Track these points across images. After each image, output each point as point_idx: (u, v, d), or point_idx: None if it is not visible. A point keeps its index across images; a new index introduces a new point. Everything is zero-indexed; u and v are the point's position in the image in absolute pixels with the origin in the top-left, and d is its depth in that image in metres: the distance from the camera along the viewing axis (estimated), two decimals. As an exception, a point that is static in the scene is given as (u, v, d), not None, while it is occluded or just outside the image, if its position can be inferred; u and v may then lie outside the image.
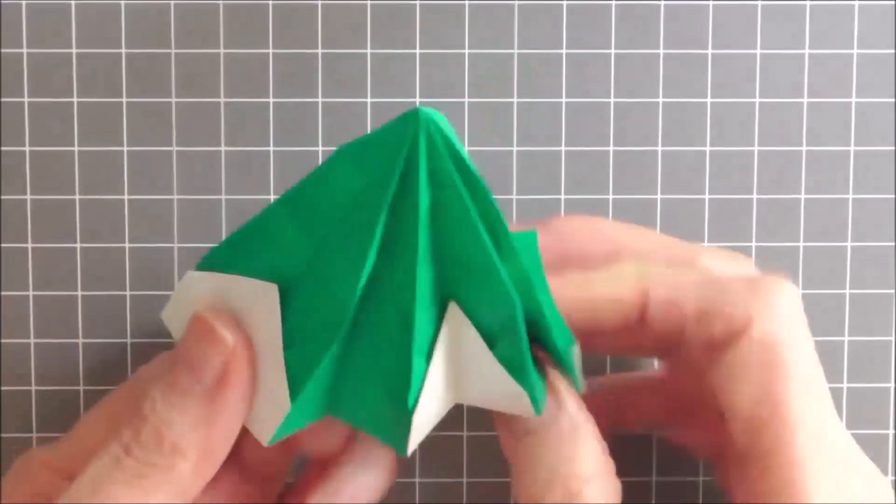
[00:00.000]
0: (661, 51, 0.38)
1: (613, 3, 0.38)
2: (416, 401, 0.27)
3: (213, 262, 0.30)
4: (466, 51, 0.38)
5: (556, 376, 0.29)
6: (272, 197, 0.38)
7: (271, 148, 0.38)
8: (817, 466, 0.27)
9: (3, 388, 0.38)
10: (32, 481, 0.31)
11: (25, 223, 0.38)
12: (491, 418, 0.31)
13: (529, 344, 0.29)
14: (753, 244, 0.38)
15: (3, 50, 0.37)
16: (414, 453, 0.38)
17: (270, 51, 0.38)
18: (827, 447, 0.27)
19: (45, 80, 0.37)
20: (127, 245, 0.38)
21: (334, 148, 0.38)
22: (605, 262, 0.31)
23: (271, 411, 0.27)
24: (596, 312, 0.30)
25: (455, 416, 0.37)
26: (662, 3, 0.38)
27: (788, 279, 0.31)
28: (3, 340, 0.38)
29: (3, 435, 0.38)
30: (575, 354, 0.31)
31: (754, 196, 0.38)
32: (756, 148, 0.38)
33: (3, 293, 0.38)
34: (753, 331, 0.28)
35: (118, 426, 0.29)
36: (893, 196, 0.38)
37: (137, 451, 0.27)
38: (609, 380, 0.35)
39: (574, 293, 0.30)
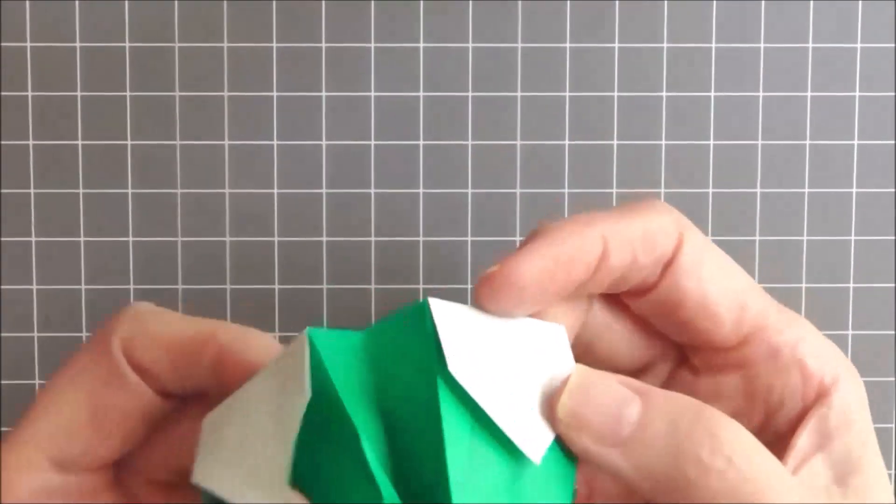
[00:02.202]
0: (665, 45, 0.38)
1: (617, -3, 0.38)
2: None
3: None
4: (470, 45, 0.38)
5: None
6: (275, 191, 0.38)
7: (275, 142, 0.38)
8: None
9: (5, 382, 0.38)
10: (14, 493, 0.30)
11: (29, 217, 0.38)
12: None
13: None
14: (757, 238, 0.38)
15: (7, 44, 0.37)
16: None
17: (274, 45, 0.38)
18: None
19: (49, 74, 0.37)
20: (130, 239, 0.38)
21: (337, 142, 0.38)
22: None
23: (250, 475, 0.27)
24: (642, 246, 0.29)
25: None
26: (666, -3, 0.38)
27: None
28: (7, 334, 0.38)
29: (5, 429, 0.38)
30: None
31: (758, 190, 0.38)
32: (759, 142, 0.38)
33: (6, 287, 0.38)
34: (838, 396, 0.29)
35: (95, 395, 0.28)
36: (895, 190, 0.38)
37: None
38: None
39: (626, 223, 0.29)
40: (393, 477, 0.26)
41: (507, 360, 0.27)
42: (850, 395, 0.29)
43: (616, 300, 0.31)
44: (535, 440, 0.26)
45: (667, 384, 0.31)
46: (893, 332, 0.38)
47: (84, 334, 0.38)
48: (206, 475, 0.27)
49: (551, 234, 0.28)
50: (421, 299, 0.37)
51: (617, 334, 0.31)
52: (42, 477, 0.29)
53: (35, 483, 0.29)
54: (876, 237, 0.38)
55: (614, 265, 0.28)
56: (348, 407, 0.26)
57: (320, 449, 0.26)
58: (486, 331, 0.27)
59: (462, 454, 0.26)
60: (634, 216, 0.29)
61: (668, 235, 0.28)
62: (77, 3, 0.37)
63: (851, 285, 0.38)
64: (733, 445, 0.26)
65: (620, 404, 0.27)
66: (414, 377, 0.26)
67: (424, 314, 0.26)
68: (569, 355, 0.28)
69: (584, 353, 0.31)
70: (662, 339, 0.31)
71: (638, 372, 0.31)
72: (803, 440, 0.28)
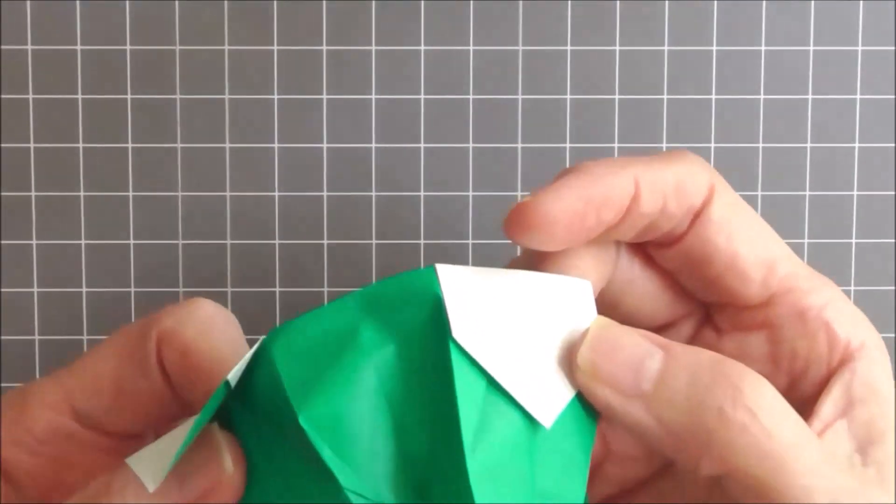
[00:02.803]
0: (666, 48, 0.38)
1: (618, 0, 0.38)
2: None
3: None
4: (471, 48, 0.38)
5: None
6: (276, 194, 0.38)
7: (276, 144, 0.38)
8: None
9: (6, 385, 0.38)
10: (28, 424, 0.30)
11: (30, 220, 0.38)
12: None
13: None
14: (758, 241, 0.38)
15: (8, 47, 0.37)
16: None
17: (275, 48, 0.38)
18: None
19: (50, 77, 0.37)
20: (131, 241, 0.38)
21: (338, 145, 0.38)
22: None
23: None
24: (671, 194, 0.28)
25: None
26: (667, 0, 0.38)
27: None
28: (8, 337, 0.38)
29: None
30: None
31: (759, 193, 0.38)
32: (761, 145, 0.38)
33: (8, 290, 0.38)
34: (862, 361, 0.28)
35: (123, 373, 0.29)
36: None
37: None
38: None
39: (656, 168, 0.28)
40: (399, 448, 0.25)
41: (522, 320, 0.27)
42: (875, 364, 0.28)
43: (643, 254, 0.30)
44: (547, 403, 0.26)
45: (690, 343, 0.30)
46: (894, 335, 0.38)
47: (85, 337, 0.38)
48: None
49: (585, 172, 0.27)
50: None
51: (641, 290, 0.30)
52: (60, 419, 0.29)
53: (53, 422, 0.29)
54: (877, 240, 0.38)
55: (645, 210, 0.28)
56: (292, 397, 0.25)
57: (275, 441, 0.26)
58: (501, 290, 0.27)
59: (475, 416, 0.25)
60: (667, 163, 0.28)
61: (700, 185, 0.28)
62: (78, 5, 0.37)
63: (853, 288, 0.38)
64: (757, 399, 0.26)
65: (642, 356, 0.26)
66: (422, 343, 0.26)
67: (432, 280, 0.26)
68: (593, 311, 0.27)
69: (608, 309, 0.30)
70: (687, 297, 0.30)
71: (661, 330, 0.30)
72: (827, 406, 0.28)
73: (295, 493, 0.26)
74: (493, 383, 0.26)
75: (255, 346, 0.26)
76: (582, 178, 0.27)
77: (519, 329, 0.26)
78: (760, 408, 0.25)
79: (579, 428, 0.27)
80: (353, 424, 0.26)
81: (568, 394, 0.26)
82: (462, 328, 0.26)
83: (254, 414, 0.26)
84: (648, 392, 0.26)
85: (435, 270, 0.26)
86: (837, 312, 0.29)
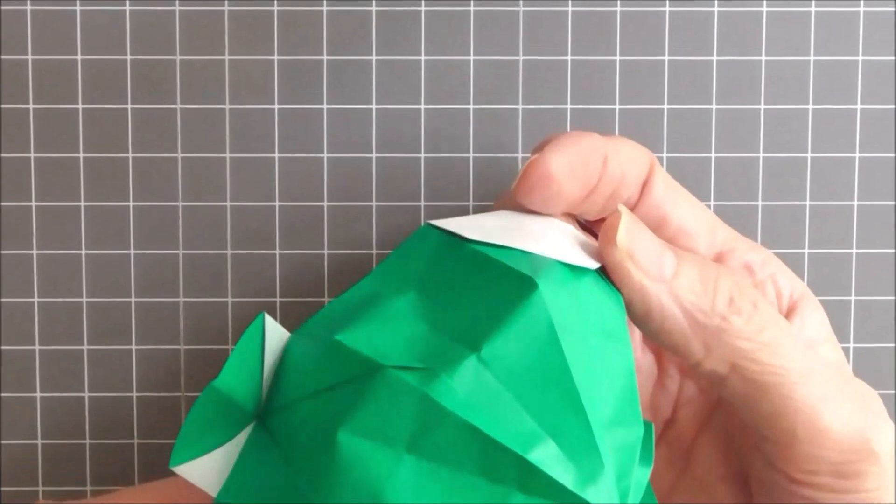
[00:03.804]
0: (667, 58, 0.38)
1: (618, 9, 0.38)
2: None
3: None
4: (472, 57, 0.38)
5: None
6: (276, 204, 0.38)
7: (276, 154, 0.38)
8: None
9: (6, 395, 0.38)
10: None
11: (30, 230, 0.38)
12: None
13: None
14: (758, 251, 0.38)
15: (8, 57, 0.37)
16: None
17: (275, 57, 0.38)
18: None
19: (50, 86, 0.37)
20: (132, 252, 0.38)
21: (339, 154, 0.38)
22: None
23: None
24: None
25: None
26: (667, 9, 0.38)
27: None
28: (8, 347, 0.38)
29: (4, 442, 0.38)
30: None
31: (759, 203, 0.38)
32: (761, 154, 0.38)
33: (7, 300, 0.38)
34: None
35: None
36: (898, 202, 0.38)
37: None
38: None
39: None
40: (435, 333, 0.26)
41: (524, 224, 0.29)
42: (819, 312, 0.32)
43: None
44: (583, 260, 0.28)
45: None
46: (894, 345, 0.38)
47: (85, 347, 0.38)
48: None
49: (562, 137, 0.30)
50: None
51: None
52: None
53: None
54: (877, 250, 0.38)
55: (612, 172, 0.31)
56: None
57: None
58: (496, 217, 0.29)
59: (525, 264, 0.27)
60: (617, 138, 0.32)
61: (644, 159, 0.32)
62: (78, 15, 0.37)
63: (853, 298, 0.38)
64: (756, 295, 0.29)
65: (661, 250, 0.29)
66: (439, 265, 0.27)
67: (427, 229, 0.28)
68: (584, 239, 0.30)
69: None
70: None
71: None
72: None
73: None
74: (522, 258, 0.27)
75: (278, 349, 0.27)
76: (563, 142, 0.30)
77: (524, 229, 0.29)
78: (759, 301, 0.29)
79: (612, 292, 0.28)
80: (385, 332, 0.26)
81: (593, 265, 0.28)
82: (472, 232, 0.28)
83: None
84: (670, 279, 0.28)
85: (430, 223, 0.28)
86: (776, 267, 0.32)
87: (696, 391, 0.33)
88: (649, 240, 0.29)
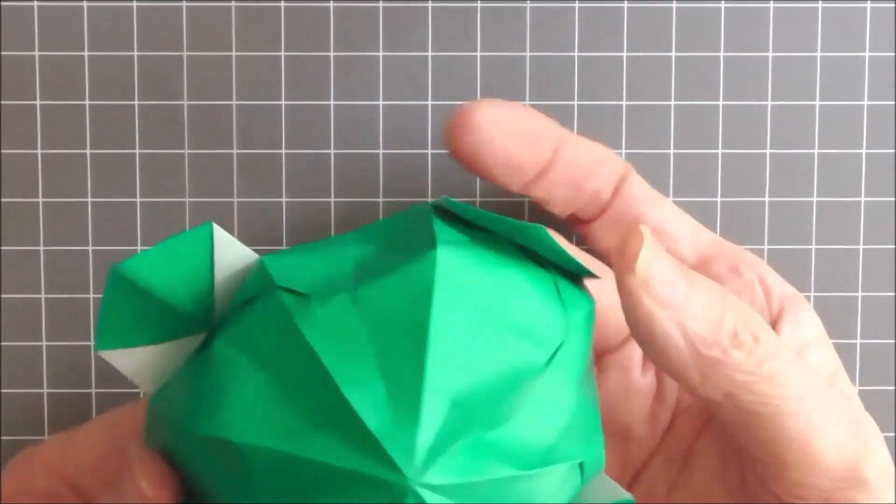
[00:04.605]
0: (673, 54, 0.38)
1: (626, 5, 0.38)
2: None
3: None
4: (478, 53, 0.38)
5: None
6: (283, 200, 0.38)
7: (283, 151, 0.38)
8: None
9: (14, 391, 0.38)
10: (33, 484, 0.31)
11: (38, 226, 0.38)
12: None
13: None
14: (766, 247, 0.38)
15: (15, 53, 0.37)
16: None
17: (282, 54, 0.38)
18: None
19: (57, 83, 0.37)
20: (139, 248, 0.38)
21: (346, 151, 0.38)
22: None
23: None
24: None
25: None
26: (674, 5, 0.38)
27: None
28: (15, 343, 0.38)
29: (6, 438, 0.38)
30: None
31: (766, 199, 0.38)
32: (768, 151, 0.38)
33: (15, 296, 0.38)
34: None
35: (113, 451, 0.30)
36: (905, 199, 0.38)
37: None
38: None
39: None
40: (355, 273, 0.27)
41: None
42: (810, 312, 0.32)
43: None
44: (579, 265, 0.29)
45: None
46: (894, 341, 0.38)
47: (91, 343, 0.38)
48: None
49: (513, 104, 0.32)
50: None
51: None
52: (57, 485, 0.31)
53: (52, 487, 0.31)
54: (885, 246, 0.38)
55: (571, 160, 0.31)
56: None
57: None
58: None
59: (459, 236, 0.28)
60: (580, 136, 0.33)
61: (617, 159, 0.32)
62: (85, 11, 0.37)
63: (860, 294, 0.38)
64: (759, 328, 0.29)
65: (674, 275, 0.29)
66: (405, 231, 0.28)
67: (418, 207, 0.28)
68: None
69: None
70: None
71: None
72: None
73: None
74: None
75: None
76: (504, 102, 0.32)
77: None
78: (761, 332, 0.29)
79: (550, 302, 0.28)
80: (307, 262, 0.27)
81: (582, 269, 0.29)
82: (446, 218, 0.28)
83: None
84: (679, 306, 0.28)
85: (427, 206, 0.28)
86: (764, 268, 0.32)
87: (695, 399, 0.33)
88: (665, 264, 0.29)
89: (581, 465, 0.27)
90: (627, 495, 0.27)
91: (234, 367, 0.26)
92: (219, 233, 0.28)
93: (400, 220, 0.29)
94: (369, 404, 0.25)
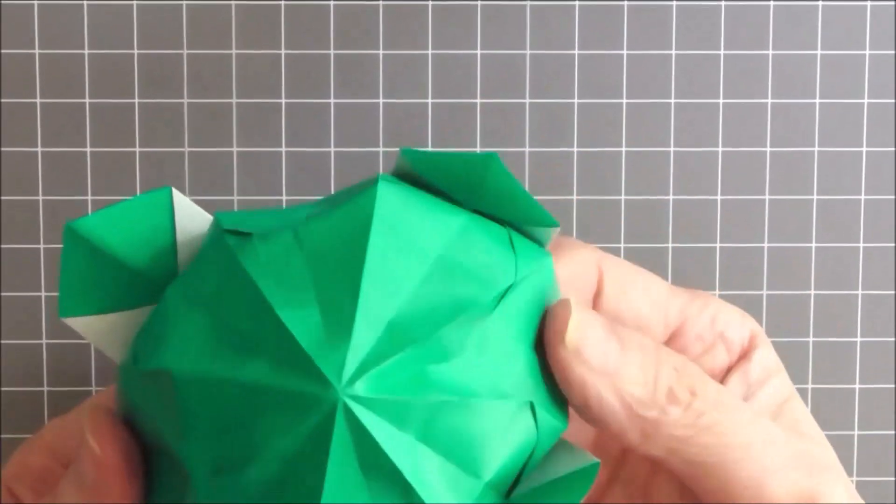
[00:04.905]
0: (674, 52, 0.38)
1: (626, 3, 0.38)
2: None
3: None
4: (478, 52, 0.38)
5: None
6: (284, 198, 0.38)
7: (283, 149, 0.38)
8: None
9: (14, 389, 0.38)
10: (31, 463, 0.32)
11: (38, 224, 0.38)
12: None
13: None
14: (766, 245, 0.38)
15: (15, 51, 0.37)
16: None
17: (282, 52, 0.38)
18: None
19: (58, 81, 0.37)
20: (139, 246, 0.38)
21: (346, 149, 0.38)
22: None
23: None
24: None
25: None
26: (674, 3, 0.38)
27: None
28: (16, 341, 0.38)
29: (6, 436, 0.38)
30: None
31: (766, 197, 0.38)
32: (768, 149, 0.38)
33: (16, 294, 0.38)
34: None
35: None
36: (905, 197, 0.38)
37: None
38: None
39: None
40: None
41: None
42: (764, 350, 0.32)
43: None
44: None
45: None
46: (894, 340, 0.38)
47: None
48: None
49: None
50: None
51: None
52: (51, 464, 0.32)
53: (46, 465, 0.32)
54: (885, 244, 0.38)
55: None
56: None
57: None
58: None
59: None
60: (559, 254, 0.31)
61: (590, 268, 0.31)
62: (85, 9, 0.37)
63: (860, 292, 0.38)
64: (695, 380, 0.29)
65: (606, 339, 0.28)
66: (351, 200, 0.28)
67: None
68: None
69: None
70: None
71: None
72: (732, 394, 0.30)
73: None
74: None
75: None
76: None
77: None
78: (697, 384, 0.29)
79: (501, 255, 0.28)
80: (260, 217, 0.27)
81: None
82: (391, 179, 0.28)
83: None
84: (613, 371, 0.28)
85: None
86: (725, 321, 0.32)
87: None
88: (596, 330, 0.28)
89: (532, 407, 0.27)
90: (594, 459, 0.27)
91: (177, 309, 0.27)
92: (178, 197, 0.28)
93: (355, 185, 0.29)
94: (303, 325, 0.25)
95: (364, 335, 0.25)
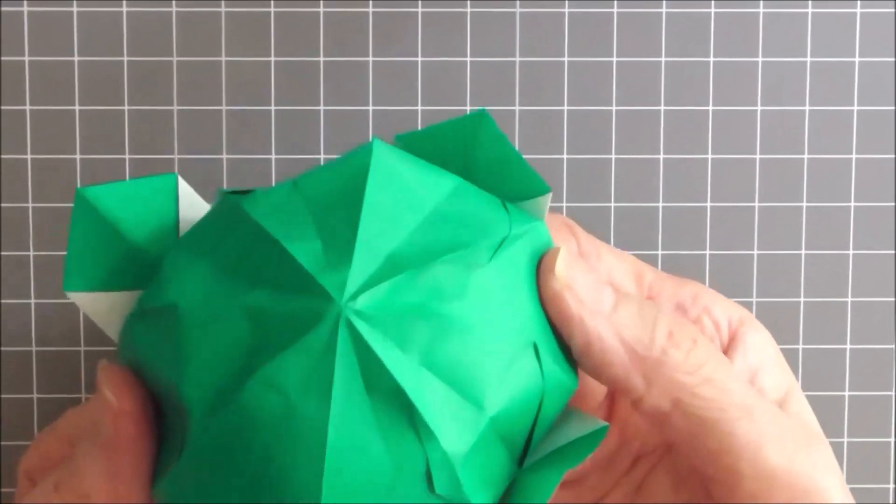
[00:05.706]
0: (663, 59, 0.38)
1: (615, 11, 0.38)
2: None
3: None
4: (468, 59, 0.38)
5: None
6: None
7: (273, 156, 0.38)
8: None
9: (4, 396, 0.38)
10: (50, 451, 0.32)
11: (27, 231, 0.38)
12: None
13: None
14: (755, 252, 0.38)
15: (5, 58, 0.37)
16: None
17: (272, 59, 0.38)
18: None
19: (47, 88, 0.37)
20: (129, 253, 0.38)
21: (335, 156, 0.38)
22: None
23: None
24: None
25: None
26: (664, 11, 0.38)
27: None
28: (5, 349, 0.38)
29: (3, 443, 0.38)
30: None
31: (756, 204, 0.38)
32: (758, 156, 0.38)
33: (5, 301, 0.38)
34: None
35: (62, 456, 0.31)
36: (894, 204, 0.38)
37: (63, 491, 0.29)
38: None
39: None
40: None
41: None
42: (759, 336, 0.31)
43: None
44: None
45: None
46: (893, 347, 0.38)
47: (82, 348, 0.38)
48: None
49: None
50: None
51: None
52: None
53: None
54: (875, 251, 0.38)
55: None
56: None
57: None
58: None
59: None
60: None
61: (566, 234, 0.32)
62: (75, 16, 0.37)
63: (850, 299, 0.38)
64: (695, 333, 0.29)
65: (600, 284, 0.29)
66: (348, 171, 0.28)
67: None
68: None
69: None
70: None
71: None
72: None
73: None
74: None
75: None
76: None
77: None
78: (699, 336, 0.29)
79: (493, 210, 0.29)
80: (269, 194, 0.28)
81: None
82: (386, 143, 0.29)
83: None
84: (609, 311, 0.29)
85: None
86: (709, 299, 0.32)
87: (647, 429, 0.33)
88: (588, 273, 0.29)
89: (536, 350, 0.27)
90: (603, 423, 0.27)
91: (183, 257, 0.27)
92: (183, 185, 0.28)
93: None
94: (306, 252, 0.26)
95: (364, 263, 0.26)
